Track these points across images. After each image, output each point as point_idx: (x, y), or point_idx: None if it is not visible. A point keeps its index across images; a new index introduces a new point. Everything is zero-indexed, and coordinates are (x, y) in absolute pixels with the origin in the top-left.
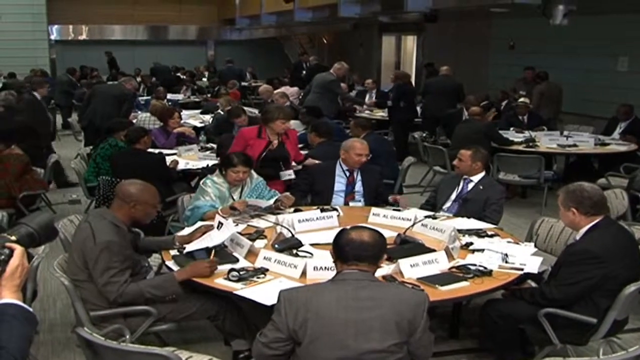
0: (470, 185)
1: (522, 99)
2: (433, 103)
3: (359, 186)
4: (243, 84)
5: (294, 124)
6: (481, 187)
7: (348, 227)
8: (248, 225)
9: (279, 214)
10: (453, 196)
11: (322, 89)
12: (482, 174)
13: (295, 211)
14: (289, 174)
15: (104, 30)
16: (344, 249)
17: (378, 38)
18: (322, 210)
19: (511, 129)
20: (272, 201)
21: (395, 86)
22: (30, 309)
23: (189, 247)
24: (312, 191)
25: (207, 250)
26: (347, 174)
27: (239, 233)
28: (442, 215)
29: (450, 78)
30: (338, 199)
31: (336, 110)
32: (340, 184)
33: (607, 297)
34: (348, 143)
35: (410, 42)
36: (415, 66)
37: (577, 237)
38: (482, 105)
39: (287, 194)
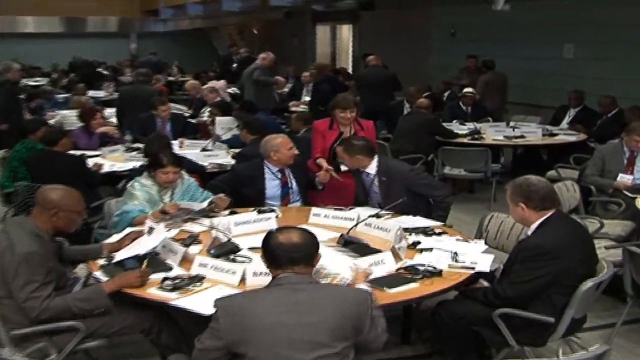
0: (372, 177)
1: (468, 89)
2: (368, 96)
3: (294, 185)
4: (170, 78)
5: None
6: (384, 179)
7: (274, 229)
8: (181, 230)
9: (213, 217)
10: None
11: (248, 82)
12: (374, 162)
13: (230, 213)
14: (346, 167)
15: (16, 23)
16: (275, 253)
17: (312, 28)
18: (259, 212)
19: (454, 121)
20: (205, 203)
21: (316, 83)
22: None
23: (118, 256)
24: (238, 196)
25: (138, 258)
26: (279, 174)
27: (172, 239)
28: (386, 214)
29: (381, 68)
30: (274, 204)
31: (272, 104)
32: (273, 188)
33: (564, 295)
34: (273, 142)
35: (346, 32)
36: (352, 57)
37: (529, 233)
38: (424, 96)
39: (222, 195)
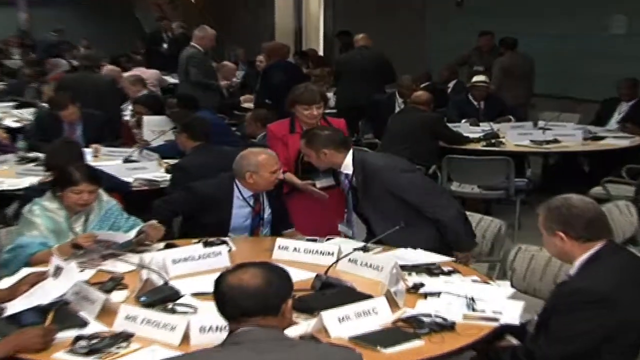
0: (350, 178)
1: (479, 78)
2: (349, 88)
3: (267, 214)
4: (76, 63)
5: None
6: (360, 178)
7: (229, 267)
8: (99, 270)
9: (143, 251)
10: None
11: (182, 76)
12: (349, 157)
13: (166, 247)
14: (327, 181)
15: None
16: (225, 302)
17: None
18: (205, 245)
19: (463, 120)
20: (132, 233)
21: (265, 70)
22: None
23: (12, 308)
24: (190, 223)
25: (40, 310)
26: (252, 201)
27: (87, 282)
28: (376, 247)
29: (372, 51)
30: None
31: (219, 100)
32: (241, 217)
33: (621, 356)
34: (253, 159)
35: (316, 2)
36: (323, 36)
37: (571, 272)
38: (422, 88)
39: (154, 222)
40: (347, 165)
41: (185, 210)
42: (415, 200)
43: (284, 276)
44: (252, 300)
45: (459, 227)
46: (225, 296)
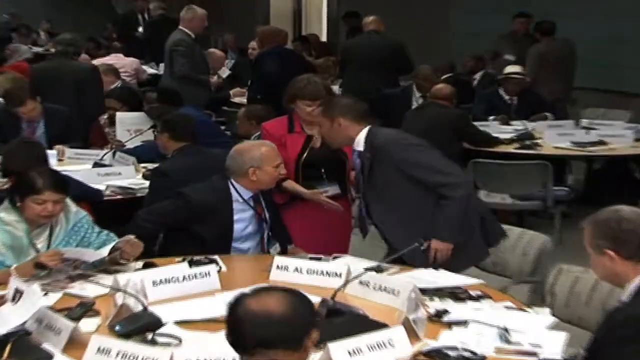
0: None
1: (513, 68)
2: (357, 80)
3: (267, 218)
4: (36, 50)
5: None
6: (368, 155)
7: (247, 289)
8: (66, 293)
9: (118, 272)
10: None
11: (167, 67)
12: (364, 132)
13: (145, 266)
14: (333, 189)
15: None
16: (242, 329)
17: None
18: (191, 264)
19: (491, 118)
20: (105, 250)
21: (257, 58)
22: None
23: None
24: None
25: None
26: (252, 202)
27: (51, 308)
28: (392, 267)
29: (383, 36)
30: (245, 249)
31: (206, 95)
32: (244, 222)
33: None
34: (254, 152)
35: None
36: (327, 19)
37: (623, 298)
38: (443, 80)
39: (131, 237)
40: (360, 141)
41: (177, 222)
42: (422, 175)
43: (311, 307)
44: (275, 329)
45: (459, 212)
46: (242, 322)
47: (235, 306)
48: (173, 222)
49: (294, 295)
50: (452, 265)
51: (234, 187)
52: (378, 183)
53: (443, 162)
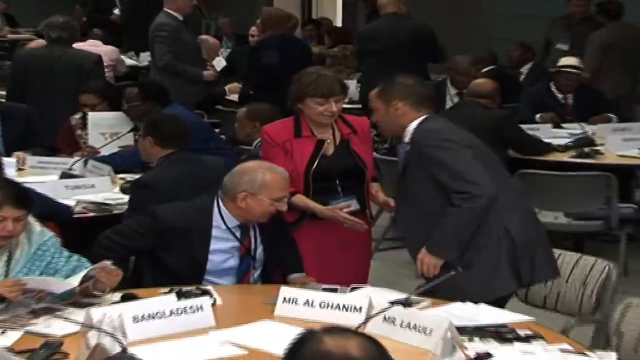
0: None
1: (569, 61)
2: (376, 72)
3: (259, 252)
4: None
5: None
6: (407, 149)
7: (317, 328)
8: (27, 332)
9: (91, 305)
10: None
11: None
12: (417, 121)
13: (124, 299)
14: (351, 204)
15: None
16: None
17: None
18: (179, 296)
19: (538, 116)
20: (77, 279)
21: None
22: None
23: None
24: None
25: None
26: (239, 232)
27: (9, 350)
28: (423, 300)
29: (406, 19)
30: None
31: (197, 91)
32: (222, 254)
33: None
34: (258, 176)
35: None
36: (342, 1)
37: None
38: (484, 74)
39: (107, 263)
40: (409, 133)
41: (145, 245)
42: (444, 178)
43: (386, 352)
44: None
45: (461, 226)
46: None
47: (304, 343)
48: (140, 244)
49: (375, 344)
50: (458, 292)
51: (219, 210)
52: (408, 183)
53: (473, 168)
